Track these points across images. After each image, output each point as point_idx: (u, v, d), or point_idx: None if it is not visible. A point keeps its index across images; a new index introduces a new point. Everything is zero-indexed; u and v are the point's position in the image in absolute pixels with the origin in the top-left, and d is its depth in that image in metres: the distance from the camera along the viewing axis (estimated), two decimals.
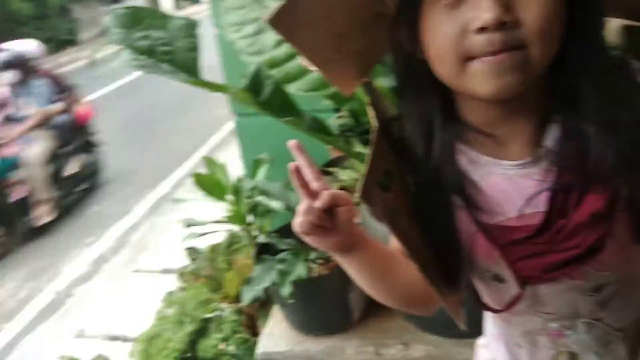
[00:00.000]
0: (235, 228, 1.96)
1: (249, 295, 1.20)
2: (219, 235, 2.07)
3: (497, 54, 0.42)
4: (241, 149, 2.42)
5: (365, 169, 0.47)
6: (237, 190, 1.98)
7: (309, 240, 0.52)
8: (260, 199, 1.79)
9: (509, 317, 0.60)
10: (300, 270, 1.19)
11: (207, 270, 2.09)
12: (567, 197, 0.48)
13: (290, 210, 1.45)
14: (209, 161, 2.04)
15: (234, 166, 2.04)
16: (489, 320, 0.69)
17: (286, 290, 1.15)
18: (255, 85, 1.17)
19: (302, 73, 1.25)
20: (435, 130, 0.50)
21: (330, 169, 1.75)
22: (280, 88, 1.20)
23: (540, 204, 0.50)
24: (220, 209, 1.91)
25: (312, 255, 1.31)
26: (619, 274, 0.55)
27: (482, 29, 0.42)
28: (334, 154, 2.00)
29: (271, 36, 1.26)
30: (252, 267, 1.77)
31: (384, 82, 0.87)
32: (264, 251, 1.33)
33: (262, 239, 1.40)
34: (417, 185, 0.53)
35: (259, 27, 1.29)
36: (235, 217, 1.94)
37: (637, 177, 0.47)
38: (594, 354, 0.61)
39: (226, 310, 1.74)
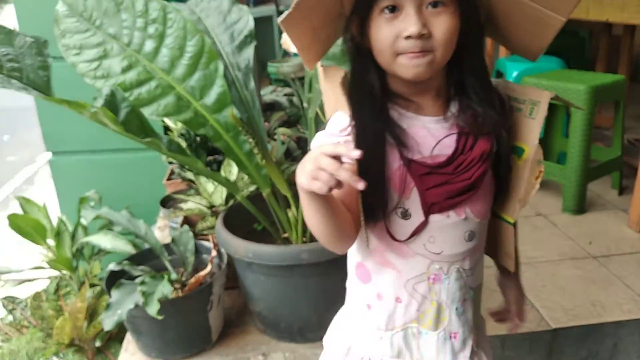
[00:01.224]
0: (60, 272, 1.80)
1: (111, 321, 1.15)
2: (42, 281, 1.87)
3: (416, 54, 0.65)
4: (56, 188, 2.26)
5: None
6: (59, 232, 1.84)
7: (310, 185, 0.58)
8: (89, 239, 1.71)
9: (401, 263, 0.74)
10: (165, 288, 1.19)
11: (33, 319, 1.85)
12: (466, 141, 0.70)
13: (140, 238, 1.43)
14: (24, 201, 1.86)
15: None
16: (366, 287, 0.80)
17: (154, 308, 1.14)
18: (111, 106, 1.17)
19: (154, 98, 1.29)
20: (375, 92, 0.71)
21: (180, 196, 1.77)
22: (136, 110, 1.22)
23: (446, 148, 0.70)
24: (40, 253, 1.76)
25: (173, 277, 1.31)
26: (482, 230, 0.76)
27: (408, 37, 0.64)
28: (170, 189, 2.02)
29: (117, 61, 1.29)
30: (94, 303, 1.66)
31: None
32: (113, 281, 1.29)
33: (112, 266, 1.35)
34: (359, 128, 0.70)
35: (103, 52, 1.29)
36: (60, 262, 1.80)
37: (501, 133, 0.72)
38: (455, 310, 0.76)
39: (68, 353, 1.58)
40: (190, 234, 1.51)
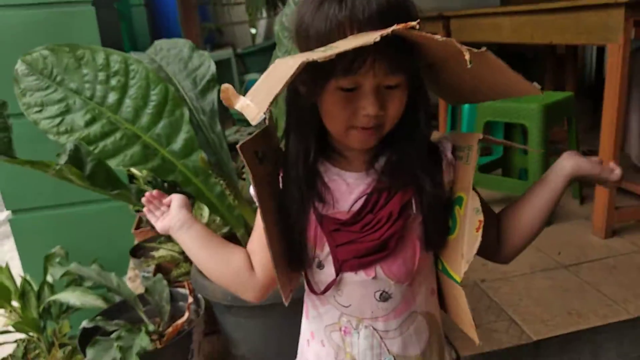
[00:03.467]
0: (27, 334, 1.73)
1: None
2: (9, 345, 1.78)
3: (369, 129, 0.65)
4: (18, 246, 2.20)
5: (249, 137, 0.64)
6: (24, 293, 1.78)
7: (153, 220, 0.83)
8: (56, 297, 1.65)
9: (321, 307, 0.75)
10: (143, 341, 1.16)
11: None
12: (378, 200, 0.69)
13: (112, 291, 1.39)
14: None
15: None
16: (307, 322, 0.81)
17: None
18: (76, 161, 1.16)
19: (120, 149, 1.28)
20: (310, 148, 0.69)
21: (151, 244, 1.73)
22: (102, 162, 1.21)
23: (359, 205, 0.69)
24: (4, 316, 1.68)
25: (150, 328, 1.27)
26: (404, 293, 0.72)
27: (365, 115, 0.63)
28: (139, 238, 1.98)
29: (80, 115, 1.28)
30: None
31: None
32: (87, 338, 1.24)
33: (85, 324, 1.30)
34: (285, 179, 0.70)
35: (65, 107, 1.29)
36: (26, 323, 1.73)
37: (422, 185, 0.69)
38: None
39: None
40: (165, 282, 1.47)
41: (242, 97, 0.61)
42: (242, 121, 3.24)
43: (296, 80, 0.59)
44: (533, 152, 2.13)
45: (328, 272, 0.71)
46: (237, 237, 1.40)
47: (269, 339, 1.32)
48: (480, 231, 0.65)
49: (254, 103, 0.57)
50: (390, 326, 0.73)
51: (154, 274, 1.57)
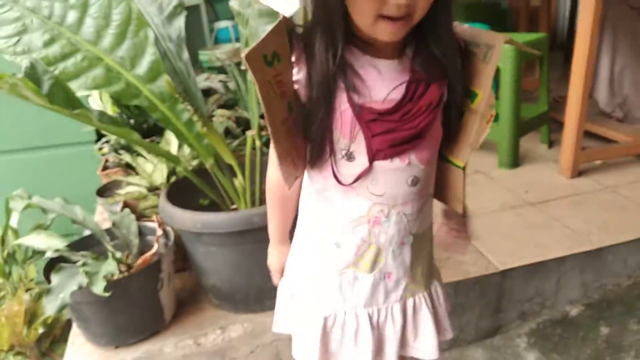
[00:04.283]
0: None
1: (53, 306, 1.08)
2: None
3: (399, 20, 0.63)
4: None
5: (259, 40, 0.61)
6: None
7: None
8: (20, 241, 1.60)
9: (346, 201, 0.75)
10: (110, 267, 1.13)
11: None
12: (417, 89, 0.69)
13: (77, 223, 1.35)
14: None
15: None
16: (314, 231, 0.82)
17: (100, 286, 1.08)
18: (33, 79, 1.10)
19: (81, 71, 1.23)
20: (337, 37, 0.67)
21: (119, 178, 1.69)
22: (61, 82, 1.15)
23: (399, 93, 0.69)
24: None
25: (118, 255, 1.25)
26: (427, 176, 0.76)
27: (396, 3, 0.61)
28: (106, 180, 1.93)
29: (38, 35, 1.21)
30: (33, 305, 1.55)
31: None
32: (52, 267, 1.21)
33: (50, 254, 1.27)
34: (312, 74, 0.68)
35: (22, 27, 1.22)
36: None
37: (454, 82, 0.71)
38: (392, 253, 0.78)
39: (9, 357, 1.48)
40: (132, 216, 1.44)
41: None
42: (213, 69, 3.15)
43: None
44: (504, 97, 2.14)
45: (360, 163, 0.71)
46: (206, 170, 1.37)
47: (239, 267, 1.31)
48: (490, 123, 0.71)
49: None
50: (415, 208, 0.76)
51: (122, 210, 1.53)
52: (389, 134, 0.69)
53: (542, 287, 1.55)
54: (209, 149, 1.34)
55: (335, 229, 0.77)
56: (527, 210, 1.82)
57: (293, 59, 0.68)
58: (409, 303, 0.82)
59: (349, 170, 0.72)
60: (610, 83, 2.48)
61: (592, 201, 1.86)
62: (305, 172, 0.78)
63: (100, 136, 2.09)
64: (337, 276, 0.79)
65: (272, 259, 0.95)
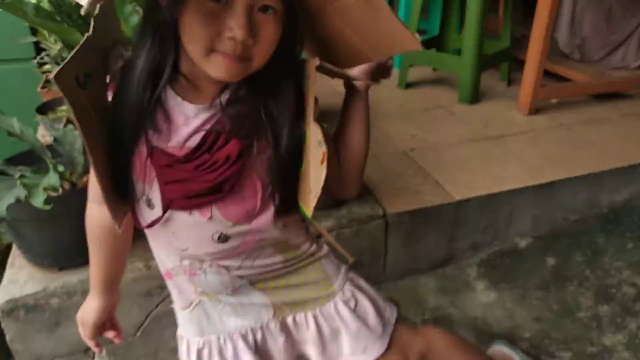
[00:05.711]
0: None
1: None
2: None
3: (234, 58, 0.56)
4: None
5: (69, 57, 0.52)
6: None
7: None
8: None
9: (162, 251, 0.73)
10: (52, 179, 1.05)
11: None
12: (216, 140, 0.62)
13: (14, 136, 1.24)
14: None
15: None
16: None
17: (39, 199, 0.99)
18: None
19: None
20: (159, 73, 0.60)
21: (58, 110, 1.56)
22: None
23: (196, 142, 0.62)
24: None
25: (61, 169, 1.16)
26: (242, 230, 0.68)
27: (231, 37, 0.54)
28: (47, 97, 1.79)
29: None
30: None
31: None
32: None
33: None
34: (121, 101, 0.61)
35: None
36: None
37: (280, 137, 0.63)
38: (229, 295, 0.75)
39: None
40: (77, 132, 1.34)
41: None
42: None
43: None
44: (468, 32, 2.10)
45: (157, 212, 0.66)
46: None
47: None
48: (325, 163, 0.58)
49: None
50: (236, 262, 0.71)
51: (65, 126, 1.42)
52: (182, 183, 0.63)
53: (495, 219, 1.58)
54: None
55: (167, 270, 0.77)
56: (485, 144, 1.83)
57: (107, 79, 0.62)
58: (289, 320, 0.80)
59: (150, 217, 0.67)
60: (571, 23, 2.48)
61: (548, 137, 1.89)
62: None
63: (39, 51, 1.92)
64: (189, 313, 0.78)
65: (84, 312, 0.83)
